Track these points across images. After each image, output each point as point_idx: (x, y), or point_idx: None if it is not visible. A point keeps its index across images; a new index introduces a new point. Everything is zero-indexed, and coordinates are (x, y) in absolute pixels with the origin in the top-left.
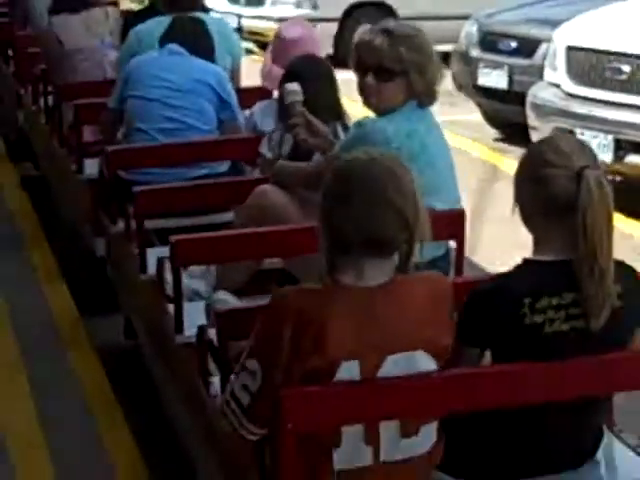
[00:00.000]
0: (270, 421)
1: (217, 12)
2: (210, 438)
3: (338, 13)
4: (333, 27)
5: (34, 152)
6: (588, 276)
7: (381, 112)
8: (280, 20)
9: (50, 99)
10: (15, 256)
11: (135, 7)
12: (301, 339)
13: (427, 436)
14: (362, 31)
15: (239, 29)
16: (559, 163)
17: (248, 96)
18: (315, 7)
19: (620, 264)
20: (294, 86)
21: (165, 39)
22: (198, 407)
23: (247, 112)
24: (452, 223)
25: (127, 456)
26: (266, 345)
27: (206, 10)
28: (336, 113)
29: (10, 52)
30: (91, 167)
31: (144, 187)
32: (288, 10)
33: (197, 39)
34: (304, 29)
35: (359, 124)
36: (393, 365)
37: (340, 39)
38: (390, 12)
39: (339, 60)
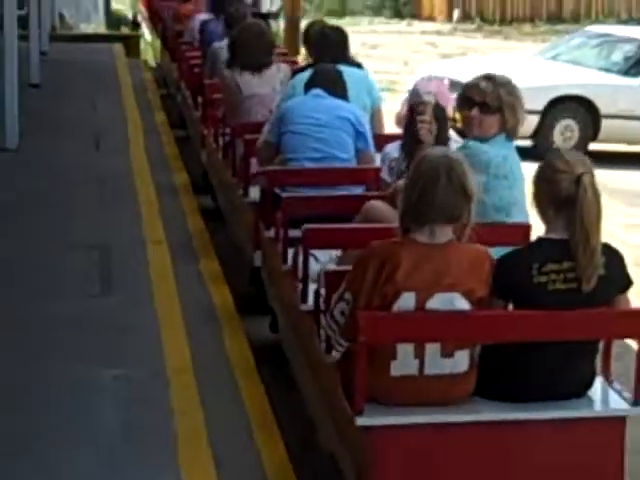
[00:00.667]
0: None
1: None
2: (315, 374)
3: (539, 106)
4: (533, 120)
5: (212, 185)
6: (582, 252)
7: (480, 139)
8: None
9: (227, 138)
10: (188, 264)
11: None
12: (380, 274)
13: (461, 359)
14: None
15: None
16: (565, 169)
17: (387, 139)
18: None
19: (606, 245)
20: (431, 87)
21: (309, 84)
22: (313, 360)
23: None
24: (521, 233)
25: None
26: (356, 278)
27: (357, 65)
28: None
29: (200, 99)
30: (255, 192)
31: (290, 194)
32: None
33: (335, 84)
34: (438, 85)
35: (465, 146)
36: (439, 301)
37: (539, 132)
38: (590, 107)
39: (537, 153)
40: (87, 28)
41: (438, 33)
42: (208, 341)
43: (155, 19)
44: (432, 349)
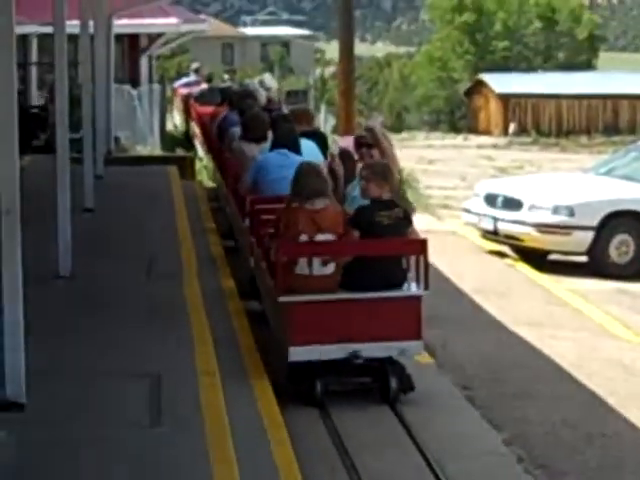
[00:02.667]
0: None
1: (473, 213)
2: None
3: (594, 222)
4: (588, 236)
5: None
6: (396, 206)
7: None
8: (536, 225)
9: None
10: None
11: None
12: (289, 222)
13: (331, 267)
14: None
15: (494, 232)
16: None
17: None
18: (572, 214)
19: (404, 200)
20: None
21: (272, 147)
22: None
23: None
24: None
25: None
26: (278, 224)
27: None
28: None
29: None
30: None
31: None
32: (545, 216)
33: (293, 146)
34: (348, 142)
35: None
36: (320, 237)
37: (595, 248)
38: None
39: (593, 268)
40: (142, 150)
41: (494, 147)
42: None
43: (204, 133)
44: (316, 261)
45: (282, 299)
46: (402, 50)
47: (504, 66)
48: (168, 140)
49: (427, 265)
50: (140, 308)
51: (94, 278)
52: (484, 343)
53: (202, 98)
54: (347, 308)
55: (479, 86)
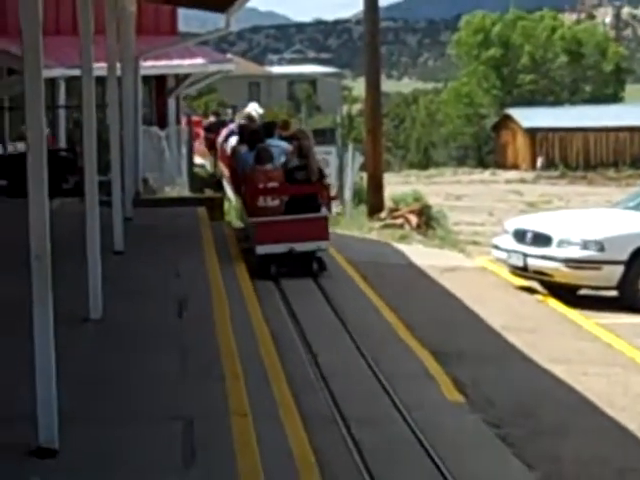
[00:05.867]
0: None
1: (502, 249)
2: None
3: (624, 256)
4: (618, 270)
5: None
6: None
7: None
8: (566, 261)
9: None
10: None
11: None
12: (254, 177)
13: (277, 201)
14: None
15: (524, 268)
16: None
17: None
18: (602, 249)
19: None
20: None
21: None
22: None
23: None
24: None
25: None
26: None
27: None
28: None
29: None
30: None
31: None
32: (574, 251)
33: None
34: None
35: None
36: (270, 184)
37: (624, 282)
38: None
39: (623, 303)
40: (171, 192)
41: (522, 181)
42: None
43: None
44: (269, 197)
45: (251, 220)
46: (429, 86)
47: (531, 100)
48: (197, 181)
49: (329, 197)
50: (172, 350)
51: (125, 320)
52: (515, 380)
53: (209, 129)
54: (287, 223)
55: (506, 121)
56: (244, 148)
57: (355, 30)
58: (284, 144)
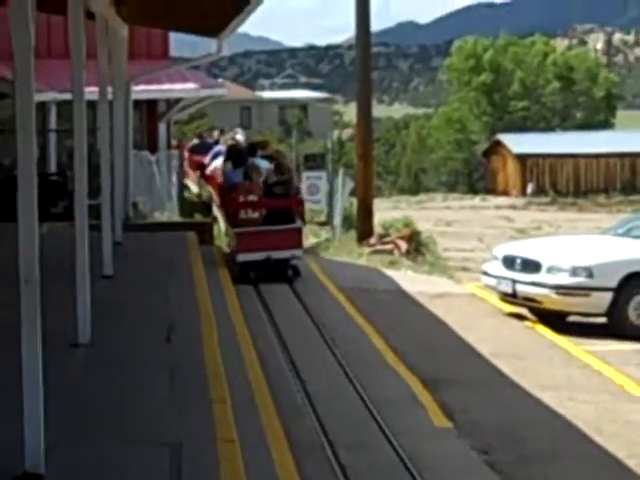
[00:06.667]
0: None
1: (492, 276)
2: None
3: (613, 283)
4: (607, 297)
5: None
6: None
7: None
8: (555, 287)
9: None
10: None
11: None
12: (238, 191)
13: (257, 213)
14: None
15: (513, 294)
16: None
17: None
18: (591, 276)
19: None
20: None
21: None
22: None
23: None
24: None
25: None
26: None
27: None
28: None
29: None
30: None
31: None
32: (563, 278)
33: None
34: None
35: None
36: (251, 197)
37: (613, 309)
38: None
39: (612, 330)
40: (161, 216)
41: (512, 207)
42: None
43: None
44: (249, 210)
45: (235, 230)
46: (420, 111)
47: (522, 126)
48: (187, 205)
49: (303, 210)
50: (160, 375)
51: (113, 345)
52: (503, 406)
53: (194, 150)
54: (265, 234)
55: (497, 147)
56: (229, 165)
57: (347, 55)
58: (265, 163)
